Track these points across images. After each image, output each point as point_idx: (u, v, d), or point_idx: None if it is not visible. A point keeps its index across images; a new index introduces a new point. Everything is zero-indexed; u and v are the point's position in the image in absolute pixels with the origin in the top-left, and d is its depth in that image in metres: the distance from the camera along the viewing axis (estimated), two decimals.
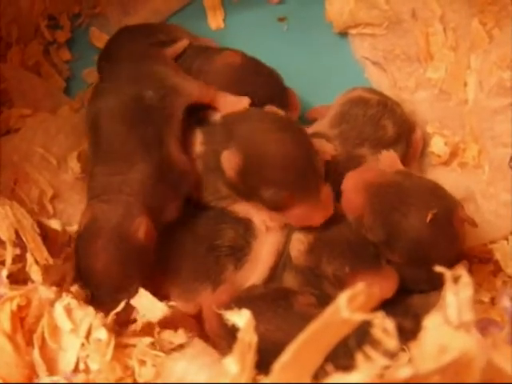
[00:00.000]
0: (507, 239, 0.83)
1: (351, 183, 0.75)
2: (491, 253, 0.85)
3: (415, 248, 0.72)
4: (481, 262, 0.86)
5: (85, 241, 0.72)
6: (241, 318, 0.49)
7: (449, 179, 0.90)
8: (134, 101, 0.77)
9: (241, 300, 0.71)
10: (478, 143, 0.88)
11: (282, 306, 0.70)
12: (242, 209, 0.82)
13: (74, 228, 0.83)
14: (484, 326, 0.48)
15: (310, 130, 0.88)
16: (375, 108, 0.88)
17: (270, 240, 0.81)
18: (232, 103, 0.83)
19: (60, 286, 0.69)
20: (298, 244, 0.78)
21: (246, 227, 0.80)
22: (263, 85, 0.89)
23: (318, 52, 1.05)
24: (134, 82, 0.79)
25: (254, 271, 0.80)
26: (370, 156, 0.86)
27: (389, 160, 0.82)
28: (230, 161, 0.74)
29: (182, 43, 0.91)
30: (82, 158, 0.91)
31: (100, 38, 1.04)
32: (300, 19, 1.06)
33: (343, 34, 1.04)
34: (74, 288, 0.70)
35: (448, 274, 0.41)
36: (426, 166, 0.95)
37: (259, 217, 0.81)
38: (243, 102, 0.83)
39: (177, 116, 0.80)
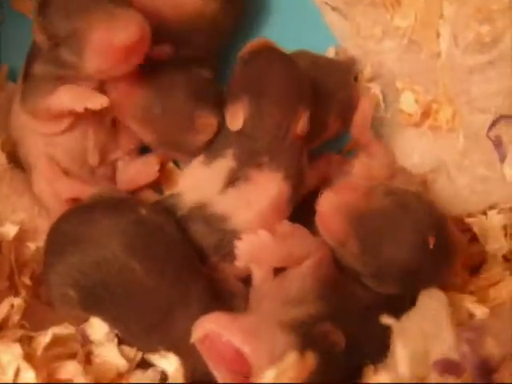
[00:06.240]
0: (486, 214, 0.77)
1: (329, 205, 0.65)
2: (467, 226, 0.79)
3: (410, 277, 0.65)
4: None
5: None
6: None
7: (419, 145, 0.84)
8: None
9: None
10: (453, 105, 0.79)
11: None
12: None
13: (4, 229, 0.77)
14: (443, 368, 0.43)
15: None
16: None
17: None
18: None
19: None
20: None
21: None
22: None
23: None
24: None
25: None
26: None
27: (362, 170, 0.75)
28: None
29: None
30: (6, 146, 0.83)
31: (22, 2, 0.91)
32: None
33: None
34: None
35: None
36: (395, 127, 0.86)
37: None
38: None
39: None
